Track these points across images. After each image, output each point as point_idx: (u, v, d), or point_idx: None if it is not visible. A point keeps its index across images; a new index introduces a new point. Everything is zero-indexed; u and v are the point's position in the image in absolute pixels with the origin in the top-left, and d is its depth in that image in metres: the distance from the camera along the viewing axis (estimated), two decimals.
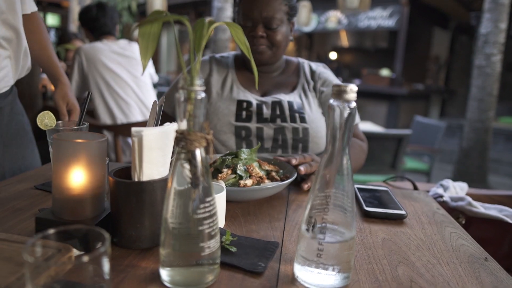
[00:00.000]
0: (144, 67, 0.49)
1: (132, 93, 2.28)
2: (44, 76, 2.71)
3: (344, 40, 10.12)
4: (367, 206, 0.84)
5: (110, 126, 2.23)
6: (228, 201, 0.79)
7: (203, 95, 0.48)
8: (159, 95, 4.27)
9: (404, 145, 2.77)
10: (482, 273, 0.60)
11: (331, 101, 0.51)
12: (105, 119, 2.24)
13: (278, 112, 1.14)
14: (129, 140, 2.35)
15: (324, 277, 0.52)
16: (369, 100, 7.56)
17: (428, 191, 1.12)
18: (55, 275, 0.38)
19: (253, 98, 1.17)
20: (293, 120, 1.14)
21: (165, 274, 0.51)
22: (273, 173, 0.91)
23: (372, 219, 0.81)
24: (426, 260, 0.63)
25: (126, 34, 7.60)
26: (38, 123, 0.85)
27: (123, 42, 2.32)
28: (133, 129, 0.58)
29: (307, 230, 0.53)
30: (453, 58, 9.49)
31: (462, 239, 0.73)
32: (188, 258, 0.50)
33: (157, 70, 10.38)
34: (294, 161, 0.95)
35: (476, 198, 1.10)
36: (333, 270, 0.52)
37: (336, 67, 9.27)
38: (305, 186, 0.95)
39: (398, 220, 0.81)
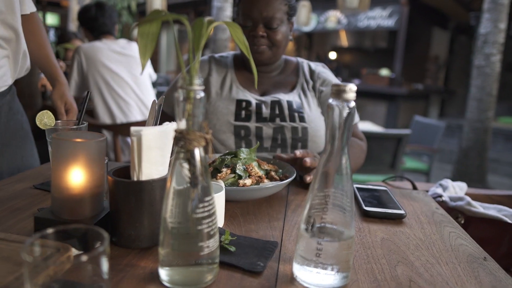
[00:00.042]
0: (143, 66, 0.49)
1: (132, 92, 2.28)
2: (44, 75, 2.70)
3: (344, 40, 10.14)
4: (366, 205, 0.84)
5: (110, 126, 2.23)
6: (227, 201, 0.79)
7: (202, 94, 0.48)
8: (158, 94, 4.27)
9: (404, 145, 2.77)
10: (481, 272, 0.60)
11: (330, 100, 0.51)
12: (105, 118, 2.24)
13: (277, 112, 1.14)
14: (128, 139, 2.35)
15: (323, 276, 0.52)
16: (369, 100, 7.58)
17: (427, 191, 1.12)
18: (54, 274, 0.38)
19: (252, 98, 1.17)
20: (292, 119, 1.14)
21: (164, 273, 0.51)
22: (272, 173, 0.91)
23: (371, 218, 0.81)
24: (425, 260, 0.63)
25: (126, 34, 7.59)
26: (37, 123, 0.85)
27: (122, 42, 2.32)
28: (132, 128, 0.58)
29: (306, 229, 0.53)
30: (452, 58, 9.50)
31: (461, 239, 0.73)
32: (187, 257, 0.50)
33: (157, 69, 10.39)
34: (298, 153, 0.95)
35: (475, 198, 1.10)
36: (332, 269, 0.52)
37: (335, 67, 9.29)
38: (308, 178, 0.92)
39: (397, 219, 0.81)
